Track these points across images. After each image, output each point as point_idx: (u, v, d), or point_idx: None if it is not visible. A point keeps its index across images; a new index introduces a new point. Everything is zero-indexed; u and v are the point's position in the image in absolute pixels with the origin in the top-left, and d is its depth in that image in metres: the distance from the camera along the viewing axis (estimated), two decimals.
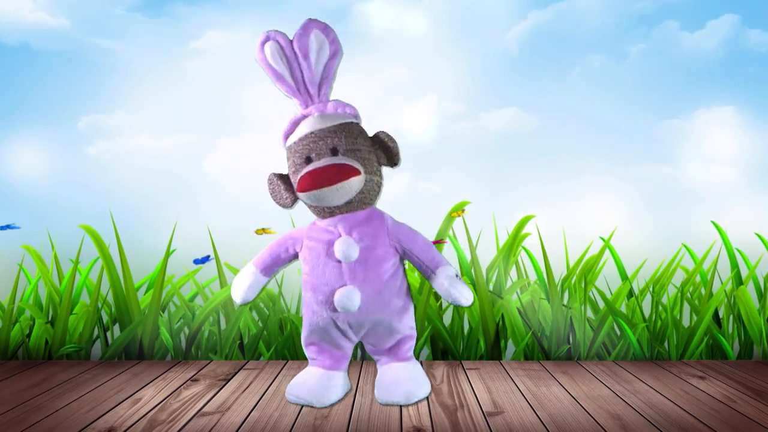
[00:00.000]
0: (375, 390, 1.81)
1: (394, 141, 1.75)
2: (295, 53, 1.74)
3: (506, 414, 1.68)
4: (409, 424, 1.60)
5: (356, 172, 1.67)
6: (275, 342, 2.38)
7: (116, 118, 2.57)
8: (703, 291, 2.42)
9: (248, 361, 2.33)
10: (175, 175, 2.54)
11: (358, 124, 1.77)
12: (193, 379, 2.06)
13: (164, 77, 2.56)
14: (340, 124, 1.72)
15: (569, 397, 1.84)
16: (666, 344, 2.35)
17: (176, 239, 2.40)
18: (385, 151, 1.75)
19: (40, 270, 2.44)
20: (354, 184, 1.68)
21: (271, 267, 1.81)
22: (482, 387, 1.94)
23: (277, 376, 2.11)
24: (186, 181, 2.53)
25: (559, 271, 2.39)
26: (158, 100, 2.56)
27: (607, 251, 2.42)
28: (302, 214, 1.81)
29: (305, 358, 2.36)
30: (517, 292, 2.38)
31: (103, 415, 1.68)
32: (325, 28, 1.76)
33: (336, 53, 1.76)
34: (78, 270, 2.44)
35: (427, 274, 1.76)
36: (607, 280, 2.42)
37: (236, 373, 2.14)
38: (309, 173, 1.67)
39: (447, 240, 2.40)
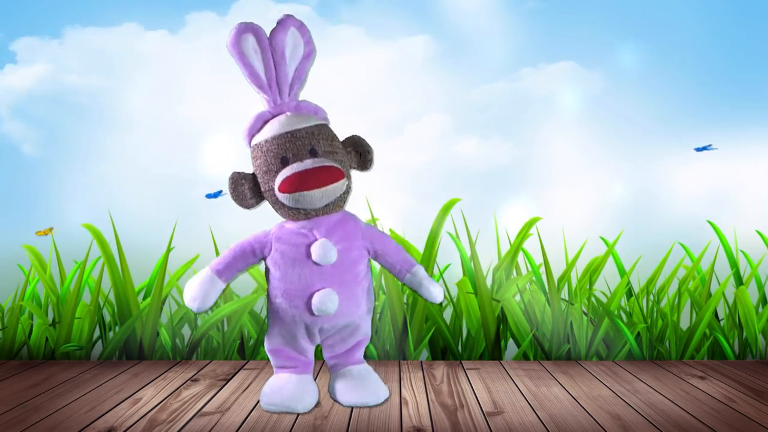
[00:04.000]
0: (336, 393, 1.78)
1: (369, 145, 1.75)
2: (270, 49, 1.71)
3: (506, 414, 1.68)
4: (409, 424, 1.60)
5: (342, 175, 1.67)
6: None
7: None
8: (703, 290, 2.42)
9: (248, 361, 2.33)
10: (174, 174, 2.53)
11: (329, 127, 1.75)
12: (193, 379, 2.07)
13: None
14: (316, 125, 1.70)
15: (569, 397, 1.84)
16: (666, 344, 2.36)
17: (175, 238, 2.41)
18: (357, 154, 1.74)
19: (39, 270, 2.44)
20: (339, 187, 1.67)
21: (233, 272, 1.75)
22: (482, 387, 1.94)
23: None
24: (185, 180, 2.53)
25: (558, 271, 2.39)
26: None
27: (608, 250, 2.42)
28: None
29: None
30: (518, 291, 2.38)
31: (103, 415, 1.68)
32: (301, 27, 1.74)
33: (310, 54, 1.75)
34: (80, 269, 2.44)
35: (401, 274, 1.79)
36: (607, 280, 2.42)
37: (236, 373, 2.14)
38: (297, 174, 1.63)
39: None
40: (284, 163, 1.66)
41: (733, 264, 2.42)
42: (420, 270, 1.79)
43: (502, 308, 2.37)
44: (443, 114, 2.52)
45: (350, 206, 1.80)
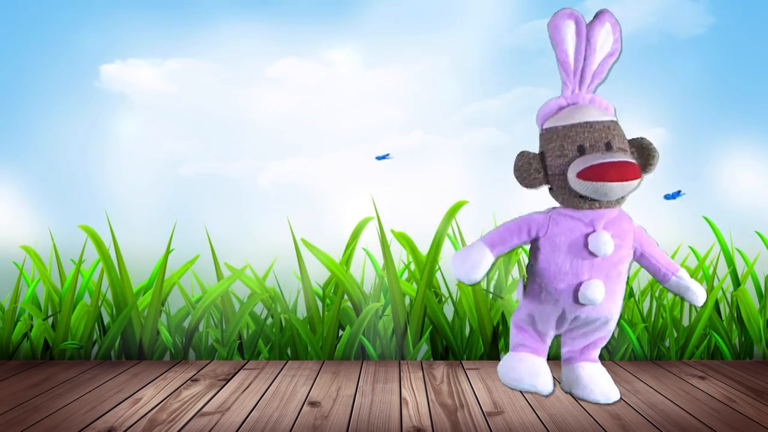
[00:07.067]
0: (569, 386, 1.81)
1: (656, 150, 1.74)
2: (587, 38, 1.74)
3: (506, 414, 1.68)
4: (409, 424, 1.60)
5: (639, 174, 1.68)
6: (275, 342, 2.38)
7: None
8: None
9: (248, 361, 2.33)
10: (174, 174, 2.53)
11: (620, 125, 1.76)
12: (193, 379, 2.06)
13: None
14: (611, 121, 1.73)
15: (569, 397, 1.84)
16: (666, 344, 2.36)
17: (174, 239, 2.41)
18: (642, 157, 1.74)
19: (39, 270, 2.44)
20: (635, 185, 1.68)
21: (505, 247, 1.77)
22: (482, 387, 1.94)
23: (277, 376, 2.11)
24: (185, 180, 2.53)
25: None
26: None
27: None
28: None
29: (305, 358, 2.36)
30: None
31: (103, 415, 1.68)
32: (615, 24, 1.77)
33: (615, 52, 1.77)
34: (80, 271, 2.44)
35: (666, 276, 1.77)
36: None
37: (236, 373, 2.14)
38: (607, 165, 1.63)
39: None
40: (580, 151, 1.69)
41: (731, 263, 2.42)
42: (685, 274, 1.77)
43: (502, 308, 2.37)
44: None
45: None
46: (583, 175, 1.65)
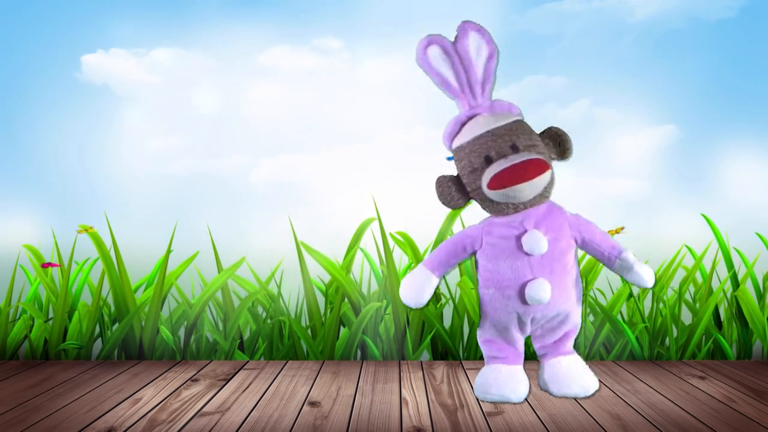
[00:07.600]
0: (546, 384, 1.83)
1: (567, 135, 1.78)
2: (458, 55, 1.78)
3: (506, 414, 1.68)
4: (409, 424, 1.60)
5: (548, 167, 1.72)
6: (274, 343, 2.38)
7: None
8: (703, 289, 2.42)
9: (248, 361, 2.33)
10: (173, 175, 2.53)
11: (525, 122, 1.79)
12: (193, 379, 2.07)
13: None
14: (513, 122, 1.75)
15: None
16: (666, 343, 2.36)
17: (174, 239, 2.41)
18: (556, 145, 1.77)
19: (38, 271, 2.44)
20: (546, 178, 1.72)
21: (446, 267, 1.82)
22: None
23: (277, 376, 2.11)
24: (184, 181, 2.52)
25: None
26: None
27: None
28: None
29: (305, 358, 2.36)
30: None
31: (103, 415, 1.68)
32: (480, 29, 1.81)
33: (493, 53, 1.81)
34: (82, 270, 2.44)
35: (610, 260, 1.80)
36: (609, 280, 2.42)
37: (236, 373, 2.14)
38: (505, 170, 1.68)
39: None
40: (488, 161, 1.72)
41: (730, 263, 2.42)
42: (629, 254, 1.79)
43: None
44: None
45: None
46: (491, 185, 1.71)
